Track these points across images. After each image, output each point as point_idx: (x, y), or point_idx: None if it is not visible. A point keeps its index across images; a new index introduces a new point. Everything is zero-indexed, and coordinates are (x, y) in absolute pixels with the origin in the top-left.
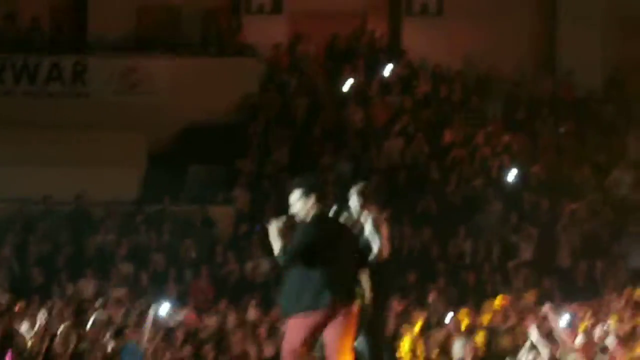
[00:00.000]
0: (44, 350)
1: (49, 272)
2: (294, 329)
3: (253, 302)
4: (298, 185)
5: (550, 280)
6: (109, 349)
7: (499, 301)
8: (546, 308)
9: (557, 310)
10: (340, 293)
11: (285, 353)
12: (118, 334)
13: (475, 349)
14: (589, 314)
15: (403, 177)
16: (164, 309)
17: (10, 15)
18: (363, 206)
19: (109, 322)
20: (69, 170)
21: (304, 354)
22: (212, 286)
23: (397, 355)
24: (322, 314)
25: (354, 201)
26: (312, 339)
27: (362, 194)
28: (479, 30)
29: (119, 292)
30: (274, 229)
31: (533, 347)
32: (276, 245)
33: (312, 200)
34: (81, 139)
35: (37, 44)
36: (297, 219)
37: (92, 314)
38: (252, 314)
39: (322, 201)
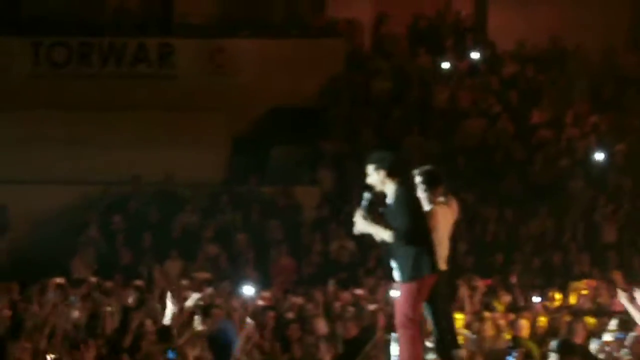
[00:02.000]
0: (133, 327)
1: (136, 252)
2: (405, 297)
3: (334, 283)
4: (372, 160)
5: (637, 261)
6: (198, 328)
7: (583, 284)
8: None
9: None
10: (434, 262)
11: (399, 321)
12: (206, 313)
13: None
14: None
15: (488, 158)
16: (249, 290)
17: None
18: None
19: (197, 301)
20: (155, 152)
21: (417, 320)
22: (297, 267)
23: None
24: (426, 281)
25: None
26: (420, 305)
27: (423, 182)
28: (565, 9)
29: (204, 274)
30: (360, 224)
31: (619, 326)
32: (375, 232)
33: (383, 174)
34: (168, 120)
35: (124, 26)
36: (370, 195)
37: (180, 294)
38: (334, 294)
39: (394, 176)
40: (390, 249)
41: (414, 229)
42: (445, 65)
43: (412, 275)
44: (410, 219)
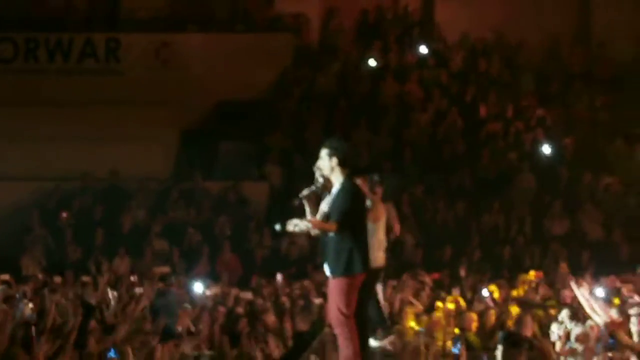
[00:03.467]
0: (77, 324)
1: (84, 249)
2: (337, 292)
3: (281, 277)
4: (327, 145)
5: (584, 254)
6: (145, 323)
7: (531, 276)
8: (581, 282)
9: (593, 284)
10: (366, 260)
11: (335, 318)
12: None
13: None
14: (626, 289)
15: (437, 152)
16: (199, 286)
17: None
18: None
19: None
20: (102, 148)
21: (351, 315)
22: (246, 262)
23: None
24: (356, 278)
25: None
26: (354, 302)
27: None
28: (512, 3)
29: (163, 268)
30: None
31: (569, 317)
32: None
33: (334, 162)
34: (114, 115)
35: (71, 21)
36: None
37: (127, 289)
38: (282, 289)
39: (344, 167)
40: (324, 243)
41: (350, 224)
42: (372, 62)
43: (343, 271)
44: (348, 214)
